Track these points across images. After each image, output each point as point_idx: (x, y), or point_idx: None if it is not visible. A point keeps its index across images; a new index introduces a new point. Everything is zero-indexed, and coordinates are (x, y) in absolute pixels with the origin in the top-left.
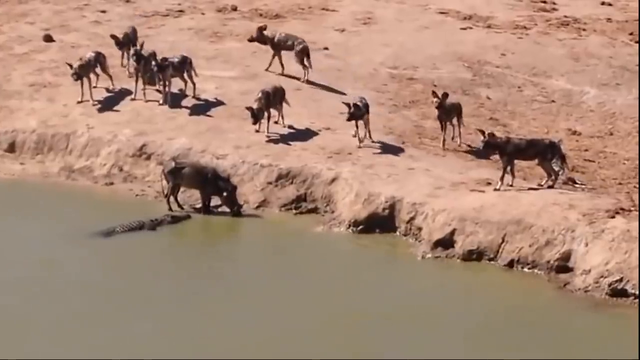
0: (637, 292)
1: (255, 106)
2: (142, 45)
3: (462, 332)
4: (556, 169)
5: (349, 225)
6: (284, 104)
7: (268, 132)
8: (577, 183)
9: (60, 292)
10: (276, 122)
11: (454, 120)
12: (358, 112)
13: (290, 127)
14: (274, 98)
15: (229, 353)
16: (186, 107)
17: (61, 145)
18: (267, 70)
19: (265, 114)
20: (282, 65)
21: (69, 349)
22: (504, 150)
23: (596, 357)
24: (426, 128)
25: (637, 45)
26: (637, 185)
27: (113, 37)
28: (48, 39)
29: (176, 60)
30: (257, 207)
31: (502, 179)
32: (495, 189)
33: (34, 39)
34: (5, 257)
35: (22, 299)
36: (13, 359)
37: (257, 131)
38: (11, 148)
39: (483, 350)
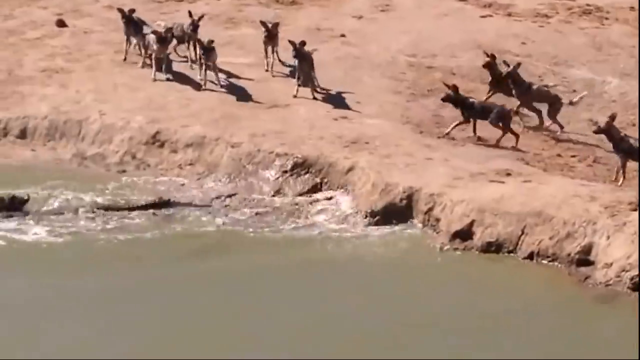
0: None
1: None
2: (168, 30)
3: (478, 326)
4: None
5: (366, 216)
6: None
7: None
8: None
9: None
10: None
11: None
12: None
13: (305, 115)
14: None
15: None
16: (200, 94)
17: (73, 131)
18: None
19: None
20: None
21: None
22: (618, 147)
23: (613, 353)
24: (444, 117)
25: None
26: None
27: (120, 10)
28: (61, 24)
29: None
30: (273, 196)
31: (623, 175)
32: (618, 185)
33: (47, 24)
34: None
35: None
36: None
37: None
38: (22, 134)
39: (500, 345)
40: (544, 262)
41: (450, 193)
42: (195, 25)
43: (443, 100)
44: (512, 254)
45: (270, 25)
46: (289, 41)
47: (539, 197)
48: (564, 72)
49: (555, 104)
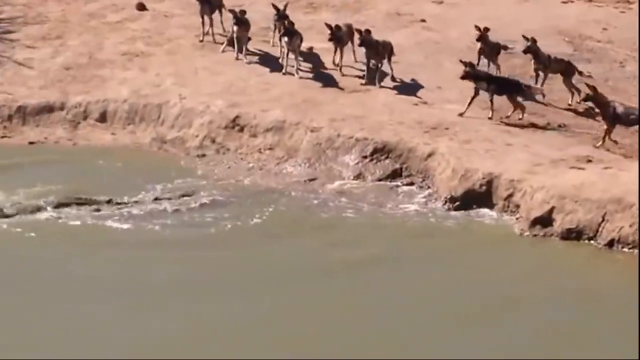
0: None
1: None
2: (242, 12)
3: (558, 313)
4: None
5: (446, 201)
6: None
7: (379, 84)
8: None
9: None
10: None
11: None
12: None
13: (385, 100)
14: (383, 49)
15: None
16: (281, 79)
17: (153, 115)
18: None
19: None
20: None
21: None
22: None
23: None
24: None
25: None
26: None
27: None
28: (141, 7)
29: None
30: (353, 180)
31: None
32: None
33: (127, 7)
34: None
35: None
36: None
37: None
38: (102, 118)
39: (578, 333)
40: (625, 249)
41: (530, 179)
42: (280, 15)
43: (462, 78)
44: (592, 241)
45: (333, 27)
46: (356, 29)
47: (619, 184)
48: None
49: (569, 70)
